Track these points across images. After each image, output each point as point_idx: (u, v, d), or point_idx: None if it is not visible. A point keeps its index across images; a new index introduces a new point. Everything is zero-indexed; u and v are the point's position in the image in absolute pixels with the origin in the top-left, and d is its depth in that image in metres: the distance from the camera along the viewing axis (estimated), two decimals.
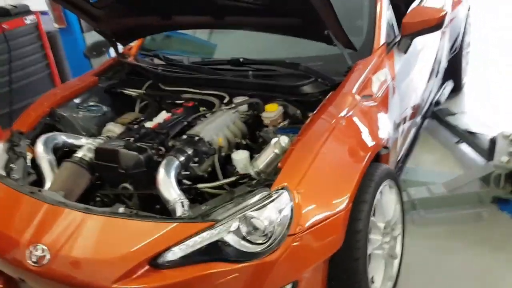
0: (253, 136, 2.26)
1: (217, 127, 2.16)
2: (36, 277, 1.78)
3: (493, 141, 3.12)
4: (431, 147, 3.66)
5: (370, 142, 2.02)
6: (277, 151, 1.90)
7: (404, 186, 2.75)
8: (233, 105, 2.30)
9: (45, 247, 1.76)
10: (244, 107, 2.31)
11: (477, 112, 3.85)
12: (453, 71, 4.11)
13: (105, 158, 2.05)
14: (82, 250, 1.74)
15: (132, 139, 2.09)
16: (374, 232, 2.03)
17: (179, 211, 1.78)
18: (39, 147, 2.22)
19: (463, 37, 4.13)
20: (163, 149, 2.07)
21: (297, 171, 1.77)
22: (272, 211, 1.67)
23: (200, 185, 1.99)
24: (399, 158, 2.76)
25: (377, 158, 2.14)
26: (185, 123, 2.25)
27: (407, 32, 2.55)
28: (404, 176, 3.07)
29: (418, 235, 2.71)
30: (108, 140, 2.21)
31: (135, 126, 2.26)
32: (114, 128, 2.34)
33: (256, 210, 1.67)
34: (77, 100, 2.60)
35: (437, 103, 3.84)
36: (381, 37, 2.50)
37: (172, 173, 1.90)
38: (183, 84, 2.53)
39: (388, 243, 2.15)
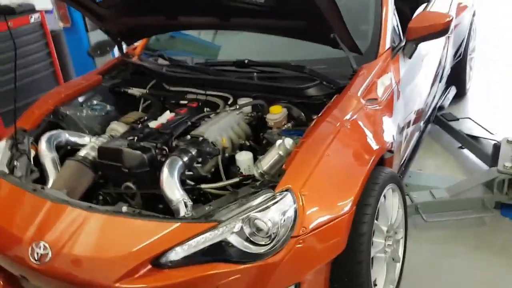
0: (257, 138, 2.26)
1: (221, 128, 2.16)
2: (38, 275, 1.78)
3: (496, 147, 3.12)
4: (434, 151, 3.66)
5: (374, 146, 2.02)
6: (281, 153, 1.90)
7: (406, 190, 2.75)
8: (237, 106, 2.30)
9: (47, 245, 1.75)
10: (248, 109, 2.31)
11: (480, 116, 3.84)
12: (457, 76, 4.11)
13: (109, 157, 2.05)
14: (84, 249, 1.73)
15: (136, 138, 2.09)
16: (377, 235, 2.03)
17: (182, 211, 1.78)
18: (43, 145, 2.22)
19: (467, 43, 4.13)
20: (166, 149, 2.07)
21: (302, 173, 1.76)
22: (275, 213, 1.67)
23: (203, 186, 1.99)
24: (402, 162, 2.76)
25: (381, 161, 2.14)
26: (189, 123, 2.25)
27: (413, 37, 2.55)
28: (406, 180, 3.07)
29: (421, 239, 2.71)
30: (112, 139, 2.22)
31: (139, 126, 2.26)
32: (117, 127, 2.33)
33: (260, 211, 1.67)
34: (81, 99, 2.61)
35: (441, 108, 3.84)
36: (387, 41, 2.51)
37: (176, 173, 1.89)
38: (187, 84, 2.53)
39: (390, 247, 2.15)
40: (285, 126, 2.20)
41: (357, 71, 2.27)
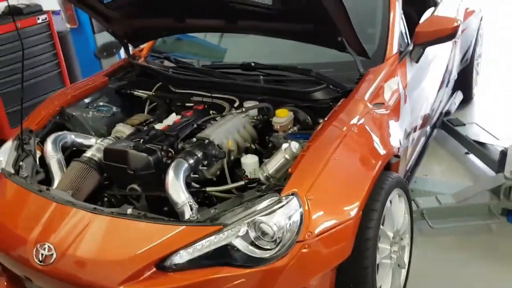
0: (262, 141, 2.25)
1: (227, 130, 2.15)
2: (42, 276, 1.78)
3: (504, 153, 3.10)
4: (440, 157, 3.64)
5: (381, 150, 2.00)
6: (287, 156, 1.89)
7: (412, 195, 2.73)
8: (243, 109, 2.29)
9: (52, 246, 1.75)
10: (255, 112, 2.30)
11: (486, 121, 3.82)
12: (464, 81, 4.09)
13: (114, 159, 2.05)
14: (89, 250, 1.73)
15: (142, 140, 2.08)
16: (383, 241, 2.01)
17: (187, 214, 1.77)
18: (48, 145, 2.22)
19: (474, 48, 4.11)
20: (172, 151, 2.06)
21: (308, 177, 1.75)
22: (281, 217, 1.66)
23: (208, 189, 1.98)
24: (408, 167, 2.74)
25: (388, 166, 2.12)
26: (195, 126, 2.24)
27: (420, 41, 2.54)
28: (412, 186, 3.05)
29: (426, 245, 2.69)
30: (117, 140, 2.21)
31: (145, 128, 2.26)
32: (123, 129, 2.33)
33: (265, 215, 1.66)
34: (87, 100, 2.61)
35: (447, 113, 3.82)
36: (394, 45, 2.49)
37: (181, 176, 1.89)
38: (193, 87, 2.52)
39: (396, 253, 2.13)
40: (291, 129, 2.19)
41: (364, 75, 2.26)
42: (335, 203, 1.75)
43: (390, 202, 2.03)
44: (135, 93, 2.67)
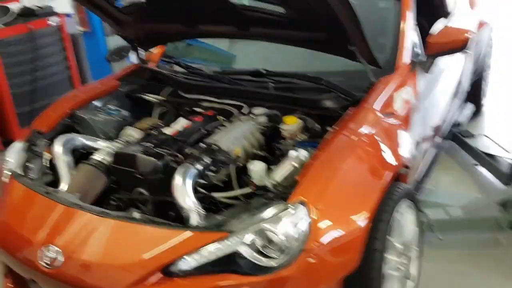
0: (270, 148, 2.24)
1: (235, 137, 2.14)
2: (48, 279, 1.77)
3: None
4: (449, 168, 3.60)
5: (391, 161, 1.99)
6: (295, 164, 1.88)
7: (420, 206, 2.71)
8: (252, 116, 2.28)
9: (58, 249, 1.75)
10: (263, 118, 2.30)
11: (496, 133, 3.79)
12: (474, 93, 4.06)
13: (123, 163, 2.04)
14: (95, 254, 1.73)
15: (151, 145, 2.08)
16: (391, 252, 1.99)
17: (194, 220, 1.76)
18: (57, 148, 2.22)
19: (485, 60, 4.09)
20: (180, 156, 2.06)
21: (316, 186, 1.74)
22: (288, 225, 1.64)
23: (215, 194, 1.97)
24: (417, 178, 2.72)
25: (397, 176, 2.10)
26: (204, 131, 2.24)
27: (432, 51, 2.52)
28: (421, 197, 3.02)
29: (434, 257, 2.65)
30: (128, 144, 2.21)
31: (154, 132, 2.26)
32: (132, 133, 2.33)
33: (272, 223, 1.65)
34: (97, 103, 2.61)
35: (457, 124, 3.79)
36: (405, 55, 2.48)
37: (189, 181, 1.88)
38: (203, 92, 2.52)
39: (404, 264, 2.11)
40: (300, 137, 2.18)
41: (374, 84, 2.25)
42: (343, 213, 1.74)
43: (399, 213, 2.01)
44: (145, 97, 2.67)
